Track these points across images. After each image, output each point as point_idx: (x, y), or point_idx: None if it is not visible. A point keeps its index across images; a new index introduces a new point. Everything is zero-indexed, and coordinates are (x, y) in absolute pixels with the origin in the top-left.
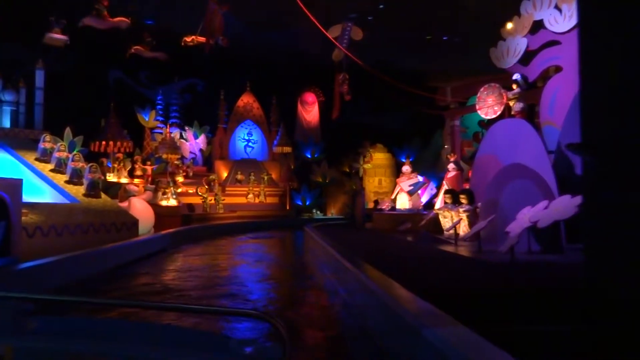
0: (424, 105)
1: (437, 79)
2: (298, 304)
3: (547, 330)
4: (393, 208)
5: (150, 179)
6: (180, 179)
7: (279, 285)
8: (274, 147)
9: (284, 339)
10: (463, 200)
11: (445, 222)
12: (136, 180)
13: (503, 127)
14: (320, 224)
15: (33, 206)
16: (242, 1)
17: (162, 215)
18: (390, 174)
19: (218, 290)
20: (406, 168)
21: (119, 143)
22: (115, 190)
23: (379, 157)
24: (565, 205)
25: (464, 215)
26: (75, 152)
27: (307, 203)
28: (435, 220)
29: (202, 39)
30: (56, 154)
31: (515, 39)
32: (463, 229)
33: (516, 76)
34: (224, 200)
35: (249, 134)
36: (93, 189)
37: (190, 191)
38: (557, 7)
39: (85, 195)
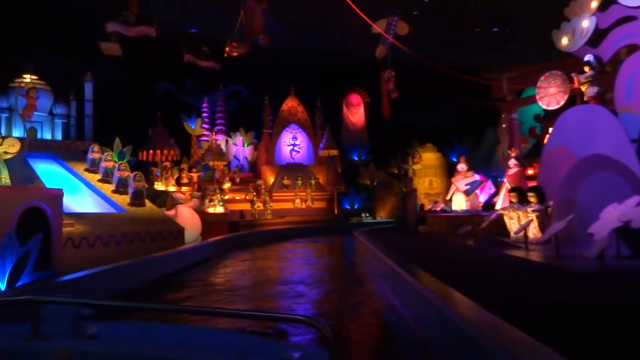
0: (478, 98)
1: (490, 71)
2: (350, 318)
3: None
4: (446, 209)
5: (196, 186)
6: (227, 185)
7: (329, 298)
8: (319, 150)
9: (331, 344)
10: (532, 199)
11: (512, 223)
12: (183, 188)
13: (575, 114)
14: (370, 228)
15: (79, 217)
16: (283, 3)
17: (209, 222)
18: (441, 174)
19: (263, 304)
20: (462, 166)
21: (165, 151)
22: (162, 198)
23: (428, 157)
24: None
25: (533, 216)
26: (122, 161)
27: (356, 207)
28: (498, 222)
29: (242, 49)
30: (103, 164)
31: (582, 18)
32: (532, 231)
33: (588, 57)
34: (272, 206)
35: (294, 138)
36: (137, 198)
37: (237, 197)
38: None
39: (130, 204)
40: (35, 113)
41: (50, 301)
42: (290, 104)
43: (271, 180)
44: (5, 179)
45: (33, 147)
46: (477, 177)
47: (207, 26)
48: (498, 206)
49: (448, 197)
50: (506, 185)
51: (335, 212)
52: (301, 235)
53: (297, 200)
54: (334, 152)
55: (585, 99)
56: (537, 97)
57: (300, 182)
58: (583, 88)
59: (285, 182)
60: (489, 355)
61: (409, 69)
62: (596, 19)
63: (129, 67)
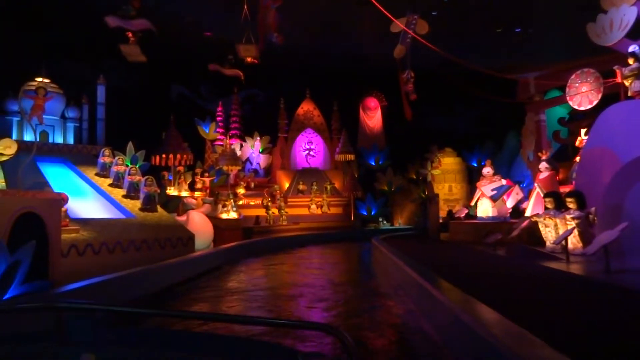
0: (503, 97)
1: (516, 70)
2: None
3: None
4: (472, 216)
5: (208, 191)
6: (241, 190)
7: (348, 321)
8: (336, 155)
9: (352, 352)
10: (571, 205)
11: (548, 231)
12: (197, 193)
13: (619, 112)
14: (389, 236)
15: (86, 222)
16: (300, 5)
17: (222, 228)
18: (461, 180)
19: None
20: (487, 170)
21: (179, 156)
22: (174, 204)
23: (448, 162)
24: None
25: (573, 224)
26: (133, 165)
27: (373, 213)
28: (530, 230)
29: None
30: (114, 168)
31: (621, 9)
32: (572, 240)
33: (633, 47)
34: (287, 212)
35: (310, 142)
36: (149, 203)
37: (252, 203)
38: None
39: (141, 209)
40: (47, 117)
41: (70, 307)
42: (306, 107)
43: (286, 185)
44: (0, 182)
45: (44, 151)
46: (504, 182)
47: (222, 27)
48: (528, 213)
49: (473, 203)
50: (537, 190)
51: (352, 218)
52: (317, 242)
53: (313, 206)
54: (351, 156)
55: (629, 94)
56: (568, 96)
57: (315, 187)
58: (627, 82)
59: (301, 187)
60: None
61: (428, 72)
62: (637, 9)
63: (143, 70)
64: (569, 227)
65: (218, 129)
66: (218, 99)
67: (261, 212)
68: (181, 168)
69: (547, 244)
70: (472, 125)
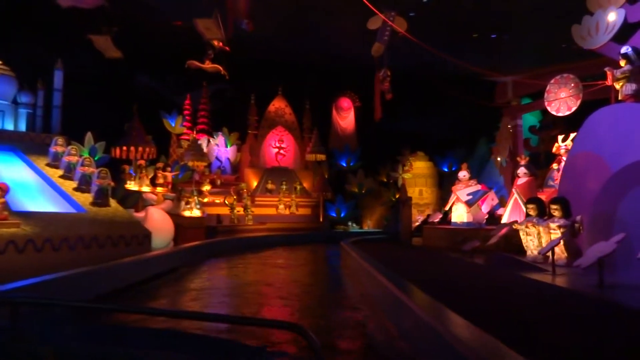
0: (481, 100)
1: (494, 73)
2: None
3: None
4: (446, 221)
5: (170, 186)
6: (207, 187)
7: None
8: (307, 154)
9: (317, 350)
10: (556, 213)
11: (529, 240)
12: (159, 189)
13: (609, 116)
14: (358, 239)
15: (29, 216)
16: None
17: (185, 226)
18: (431, 184)
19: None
20: (463, 174)
21: (141, 149)
22: (133, 199)
23: (419, 166)
24: None
25: (558, 232)
26: (86, 156)
27: (342, 215)
28: (508, 238)
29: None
30: (65, 158)
31: (608, 11)
32: (556, 251)
33: (626, 49)
34: (253, 211)
35: (281, 140)
36: (101, 197)
37: (218, 201)
38: None
39: (92, 203)
40: None
41: (27, 302)
42: (278, 104)
43: (254, 183)
44: None
45: None
46: (479, 186)
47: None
48: (505, 219)
49: (447, 207)
50: (515, 196)
51: (321, 219)
52: (283, 243)
53: (281, 206)
54: (322, 156)
55: (620, 97)
56: (546, 101)
57: (284, 187)
58: (618, 85)
59: (269, 186)
60: None
61: (403, 74)
62: (625, 11)
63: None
64: (553, 236)
65: (185, 123)
66: (186, 92)
67: (227, 210)
68: (143, 162)
69: (528, 253)
70: (444, 130)
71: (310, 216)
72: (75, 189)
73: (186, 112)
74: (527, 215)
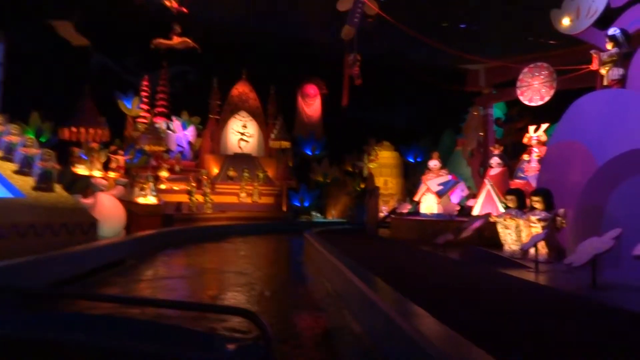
0: (454, 86)
1: (466, 61)
2: None
3: None
4: (416, 212)
5: (123, 171)
6: (164, 174)
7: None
8: (270, 141)
9: (269, 337)
10: (537, 205)
11: (507, 234)
12: (111, 174)
13: (594, 102)
14: (323, 229)
15: None
16: None
17: (139, 214)
18: (397, 175)
19: None
20: (434, 163)
21: (92, 131)
22: (82, 184)
23: (385, 156)
24: None
25: (538, 226)
26: (29, 136)
27: (306, 204)
28: (480, 232)
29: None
30: (5, 138)
31: None
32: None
33: (614, 30)
34: (213, 199)
35: (244, 126)
36: (44, 181)
37: (176, 188)
38: None
39: (34, 188)
40: None
41: None
42: (241, 89)
43: (215, 171)
44: None
45: None
46: (449, 177)
47: None
48: (477, 211)
49: (417, 198)
50: (487, 187)
51: (284, 209)
52: (245, 233)
53: (243, 194)
54: (286, 144)
55: (606, 82)
56: (519, 90)
57: (247, 174)
58: (604, 70)
59: (231, 173)
60: None
61: (370, 63)
62: None
63: (57, 33)
64: (534, 230)
65: (141, 105)
66: (144, 73)
67: (185, 198)
68: (95, 145)
69: (506, 247)
70: (410, 120)
71: (273, 205)
72: (16, 172)
73: (143, 93)
74: (506, 207)
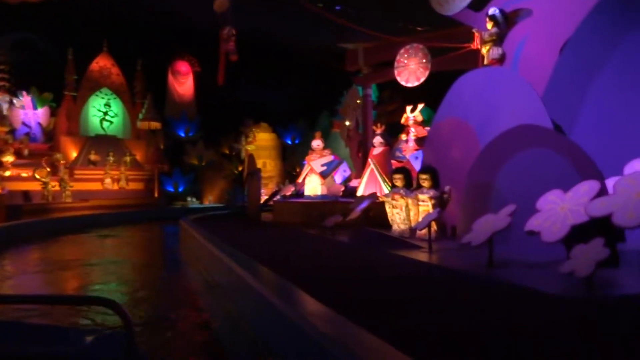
0: (334, 64)
1: (344, 40)
2: None
3: None
4: (298, 194)
5: None
6: (9, 158)
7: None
8: (138, 122)
9: (130, 325)
10: (425, 183)
11: (395, 213)
12: None
13: (475, 80)
14: (200, 216)
15: None
16: None
17: None
18: (275, 157)
19: None
20: (317, 143)
21: None
22: None
23: (263, 138)
24: None
25: (428, 204)
26: None
27: (180, 189)
28: (365, 212)
29: None
30: None
31: None
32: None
33: (493, 10)
34: (72, 187)
35: (107, 105)
36: None
37: (25, 175)
38: None
39: None
40: None
41: None
42: (102, 63)
43: (74, 154)
44: None
45: None
46: (332, 157)
47: None
48: (360, 191)
49: (300, 179)
50: (371, 167)
51: (156, 195)
52: (111, 223)
53: (108, 180)
54: (156, 125)
55: (486, 62)
56: (396, 70)
57: (112, 158)
58: (484, 49)
59: (93, 157)
60: None
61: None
62: None
63: None
64: (422, 209)
65: None
66: None
67: (37, 186)
68: None
69: (394, 227)
70: (287, 101)
71: (144, 191)
72: None
73: None
74: (393, 186)
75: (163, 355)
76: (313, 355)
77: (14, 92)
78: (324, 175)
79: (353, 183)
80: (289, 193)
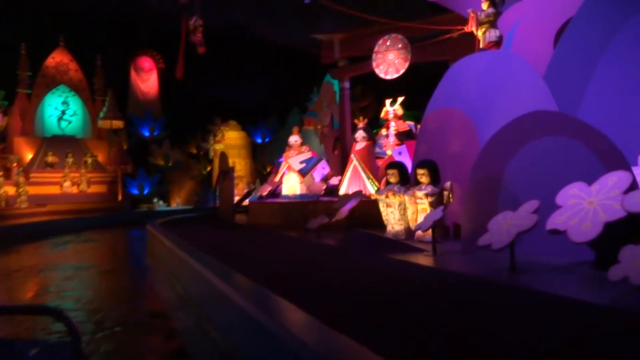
0: (312, 53)
1: (319, 31)
2: None
3: None
4: (275, 194)
5: None
6: None
7: None
8: (99, 121)
9: (77, 334)
10: (423, 179)
11: (390, 212)
12: None
13: (471, 66)
14: (169, 219)
15: None
16: None
17: None
18: (245, 156)
19: None
20: (295, 139)
21: None
22: None
23: (232, 136)
24: None
25: (426, 202)
26: None
27: (145, 192)
28: (354, 212)
29: None
30: None
31: None
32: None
33: None
34: (28, 191)
35: (64, 103)
36: None
37: None
38: None
39: None
40: None
41: None
42: (59, 58)
43: (29, 156)
44: None
45: None
46: (310, 153)
47: None
48: (343, 189)
49: (277, 178)
50: (354, 163)
51: (120, 198)
52: (71, 229)
53: (67, 183)
54: (119, 123)
55: (482, 45)
56: (374, 63)
57: (71, 160)
58: (480, 31)
59: (50, 159)
60: None
61: (216, 35)
62: None
63: None
64: (421, 207)
65: None
66: None
67: None
68: None
69: (389, 228)
70: (256, 99)
71: (106, 194)
72: None
73: None
74: (387, 182)
75: None
76: None
77: None
78: (302, 172)
79: (333, 181)
80: (265, 193)
